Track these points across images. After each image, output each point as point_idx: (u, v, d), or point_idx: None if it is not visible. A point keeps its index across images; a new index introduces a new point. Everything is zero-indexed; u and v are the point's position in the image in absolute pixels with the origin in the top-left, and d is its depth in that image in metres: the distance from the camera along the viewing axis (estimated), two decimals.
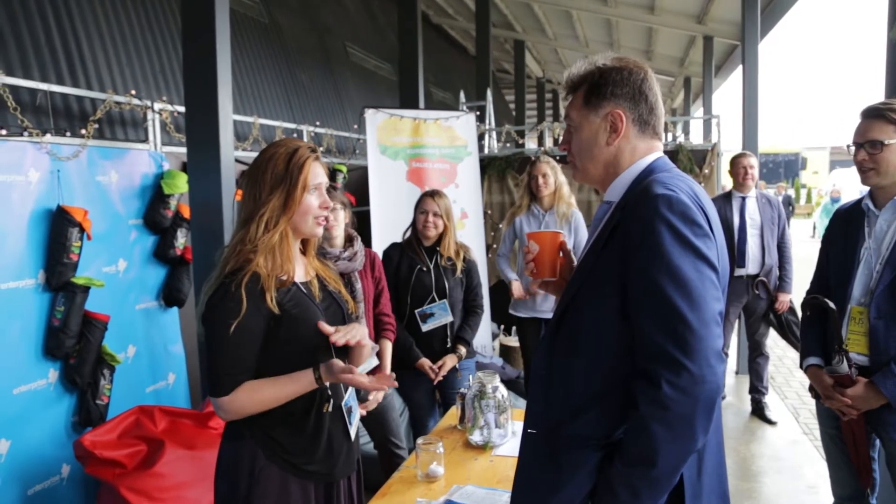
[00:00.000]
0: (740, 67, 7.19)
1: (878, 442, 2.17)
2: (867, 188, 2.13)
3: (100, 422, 3.02)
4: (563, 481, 1.24)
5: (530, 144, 9.88)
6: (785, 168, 26.69)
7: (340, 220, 2.77)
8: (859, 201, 2.21)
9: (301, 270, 1.70)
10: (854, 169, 2.23)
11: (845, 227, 2.18)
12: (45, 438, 2.93)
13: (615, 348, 1.22)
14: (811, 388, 2.27)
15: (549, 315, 3.94)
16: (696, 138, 9.85)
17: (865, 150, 2.02)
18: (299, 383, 1.58)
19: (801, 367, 2.25)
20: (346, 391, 1.74)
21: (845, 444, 2.20)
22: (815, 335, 2.17)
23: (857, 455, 2.11)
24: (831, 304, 2.03)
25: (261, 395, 1.56)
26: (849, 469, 2.24)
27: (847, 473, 2.26)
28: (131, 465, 2.66)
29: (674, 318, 1.13)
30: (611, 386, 1.23)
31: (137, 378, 3.45)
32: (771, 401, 4.71)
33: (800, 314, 2.66)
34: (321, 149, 1.60)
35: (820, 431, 2.35)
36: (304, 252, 1.76)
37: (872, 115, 2.03)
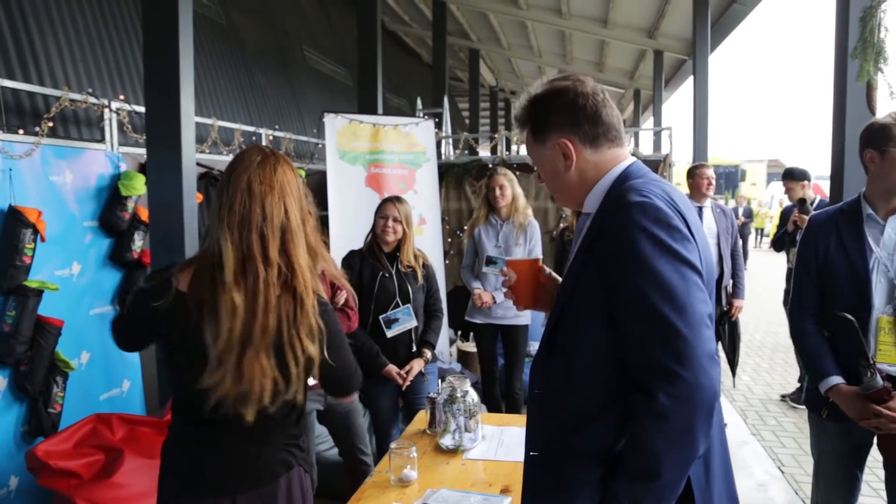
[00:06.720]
0: (687, 81, 7.44)
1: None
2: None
3: (52, 431, 2.91)
4: (573, 499, 1.22)
5: (483, 153, 10.01)
6: (725, 179, 27.49)
7: None
8: (844, 208, 2.10)
9: None
10: None
11: (837, 236, 2.05)
12: None
13: (609, 360, 1.20)
14: (809, 403, 2.19)
15: (504, 321, 4.04)
16: (646, 149, 10.14)
17: None
18: None
19: (816, 388, 2.07)
20: None
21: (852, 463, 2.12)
22: (830, 352, 2.04)
23: None
24: (850, 317, 1.88)
25: None
26: (840, 490, 2.15)
27: (838, 494, 2.16)
28: (88, 475, 2.57)
29: (662, 327, 1.10)
30: (610, 398, 1.20)
31: (91, 385, 3.34)
32: (720, 403, 4.85)
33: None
34: (279, 152, 1.55)
35: (819, 448, 2.21)
36: None
37: None
